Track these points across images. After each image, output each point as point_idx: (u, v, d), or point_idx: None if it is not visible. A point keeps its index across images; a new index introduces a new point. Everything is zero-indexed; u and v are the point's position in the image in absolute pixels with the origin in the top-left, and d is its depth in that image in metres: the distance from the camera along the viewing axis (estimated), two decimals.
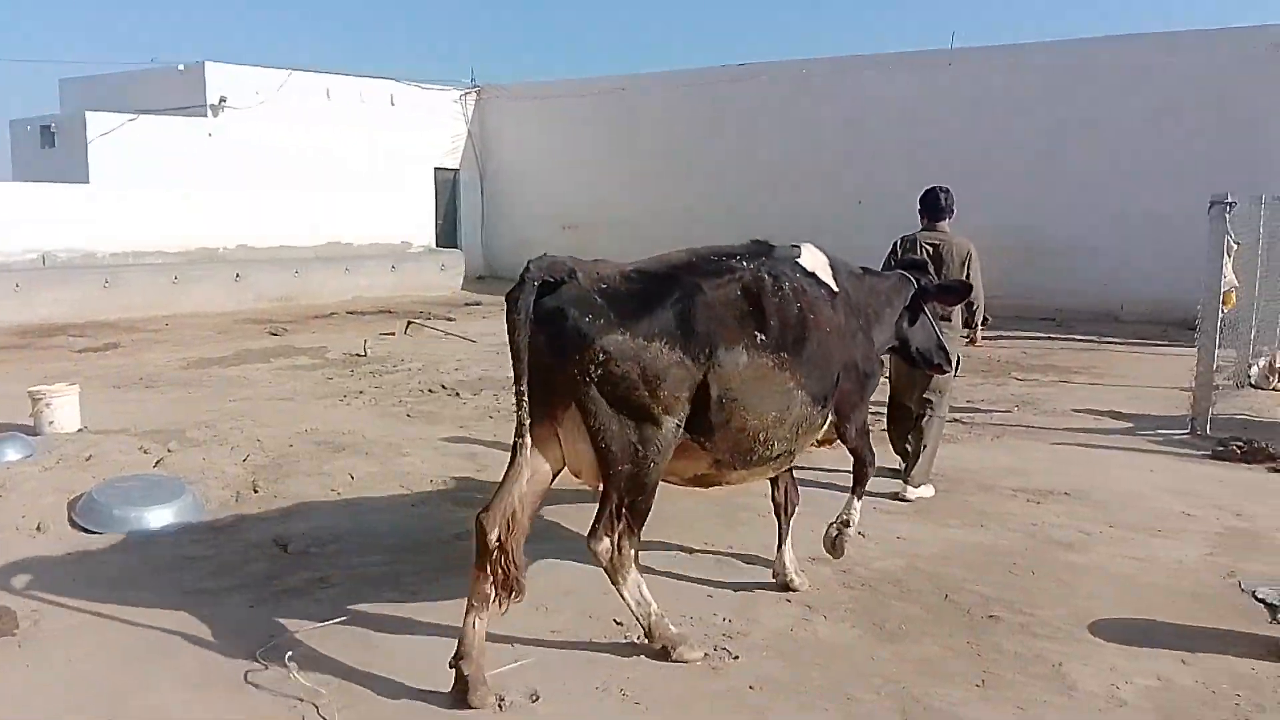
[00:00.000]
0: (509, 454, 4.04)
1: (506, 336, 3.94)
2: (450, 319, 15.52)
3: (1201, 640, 4.36)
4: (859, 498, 5.09)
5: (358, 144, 19.06)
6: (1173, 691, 3.92)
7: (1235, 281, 8.87)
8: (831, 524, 5.10)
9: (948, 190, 6.92)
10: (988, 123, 16.29)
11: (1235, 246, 8.74)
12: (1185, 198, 14.67)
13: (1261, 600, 4.78)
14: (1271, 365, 9.95)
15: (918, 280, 5.41)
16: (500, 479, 4.01)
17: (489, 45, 47.25)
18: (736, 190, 18.70)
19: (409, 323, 14.03)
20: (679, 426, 4.07)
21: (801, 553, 5.38)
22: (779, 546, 5.01)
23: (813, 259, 4.86)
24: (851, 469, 5.10)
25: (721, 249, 4.67)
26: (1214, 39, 14.67)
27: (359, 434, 7.92)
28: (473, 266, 20.88)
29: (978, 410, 9.21)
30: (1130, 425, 8.68)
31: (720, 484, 4.68)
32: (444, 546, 5.46)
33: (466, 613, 3.84)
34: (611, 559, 4.11)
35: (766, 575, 5.05)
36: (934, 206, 6.87)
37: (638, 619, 4.18)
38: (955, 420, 8.65)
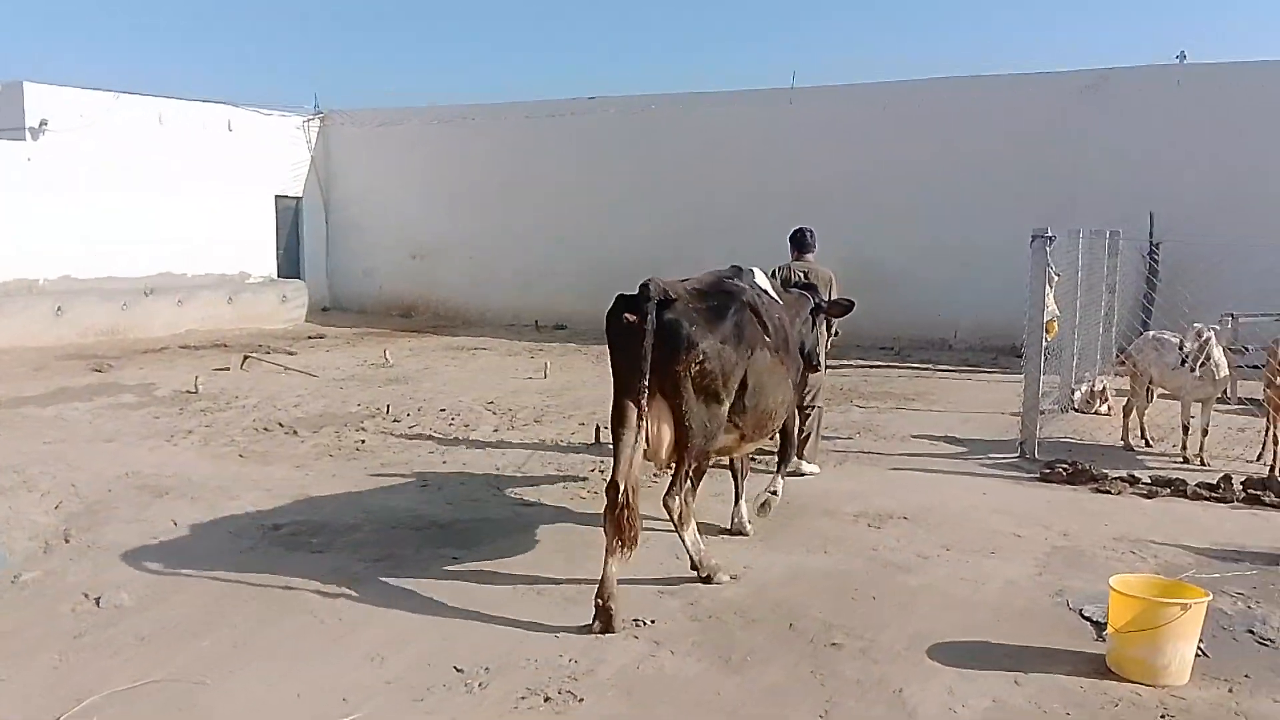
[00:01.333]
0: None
1: (611, 344, 5.22)
2: (291, 353, 14.92)
3: (1032, 660, 4.51)
4: (783, 475, 6.61)
5: (192, 171, 18.17)
6: (1006, 712, 4.03)
7: (1057, 311, 9.37)
8: (761, 494, 6.36)
9: (812, 230, 8.53)
10: (826, 158, 16.84)
11: (1056, 278, 9.23)
12: (1007, 232, 15.52)
13: (1088, 618, 5.02)
14: (1093, 390, 10.55)
15: (814, 297, 6.84)
16: (615, 455, 5.05)
17: (333, 71, 46.06)
18: (581, 221, 18.76)
19: (245, 357, 13.41)
20: (728, 410, 5.33)
21: (651, 586, 5.34)
22: (735, 503, 6.40)
23: (763, 279, 6.15)
24: (778, 449, 6.63)
25: (723, 272, 5.90)
26: (1031, 82, 15.63)
27: (185, 476, 7.47)
28: (316, 298, 20.19)
29: (821, 438, 9.39)
30: (964, 450, 9.02)
31: (736, 454, 6.22)
32: (269, 595, 5.15)
33: (606, 561, 4.82)
34: (681, 513, 5.33)
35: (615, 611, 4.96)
36: (801, 242, 8.40)
37: (691, 556, 5.45)
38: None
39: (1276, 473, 7.85)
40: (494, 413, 10.41)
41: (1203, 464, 8.31)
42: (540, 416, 10.23)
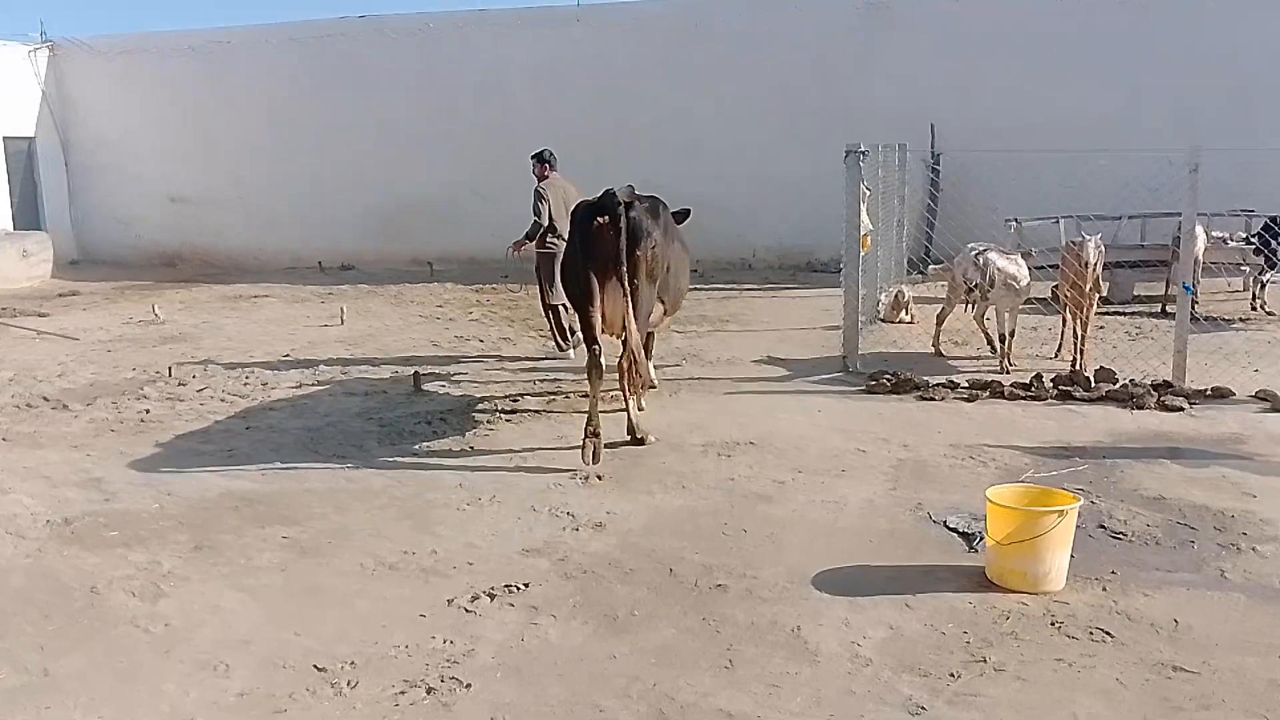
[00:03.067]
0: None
1: (583, 238, 6.52)
2: (42, 314, 13.26)
3: (914, 580, 4.48)
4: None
5: None
6: (905, 639, 3.95)
7: (870, 225, 9.49)
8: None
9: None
10: (619, 82, 16.45)
11: (868, 193, 9.32)
12: (800, 152, 15.77)
13: (954, 529, 5.06)
14: (898, 300, 10.84)
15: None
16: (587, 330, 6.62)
17: None
18: (361, 153, 17.54)
19: None
20: (658, 289, 6.78)
21: (515, 546, 4.97)
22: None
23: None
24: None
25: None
26: (817, 2, 15.76)
27: None
28: (62, 251, 18.01)
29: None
30: (788, 369, 9.06)
31: (658, 326, 7.76)
32: (71, 606, 4.42)
33: (592, 403, 6.40)
34: (629, 377, 6.64)
35: (482, 579, 4.57)
36: (553, 161, 9.96)
37: (631, 419, 6.77)
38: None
39: (1079, 367, 8.31)
40: (293, 367, 9.57)
41: (1010, 365, 8.66)
42: (346, 368, 9.49)
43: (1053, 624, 4.06)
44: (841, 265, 9.25)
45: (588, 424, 6.33)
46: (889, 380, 8.10)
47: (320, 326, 11.91)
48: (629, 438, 6.66)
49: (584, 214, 6.66)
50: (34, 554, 5.04)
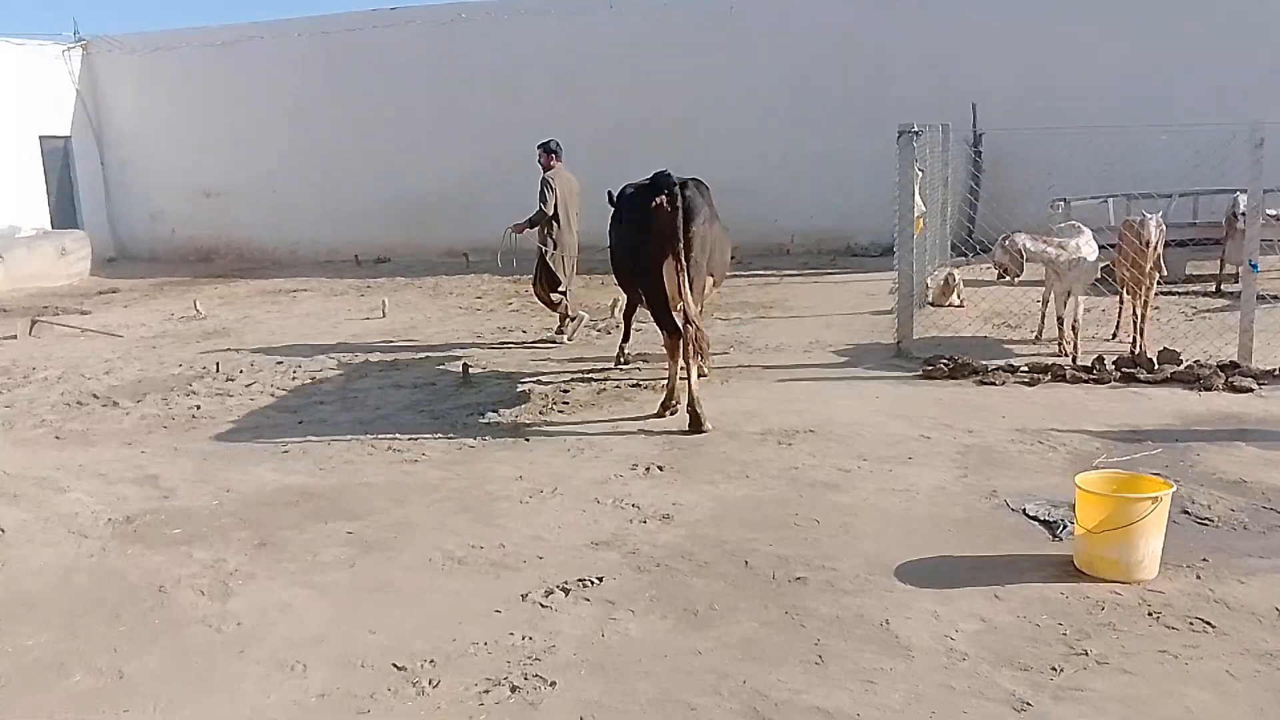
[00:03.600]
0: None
1: (641, 219, 6.88)
2: (84, 312, 13.32)
3: (1000, 571, 4.34)
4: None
5: None
6: (999, 632, 3.82)
7: (924, 208, 9.31)
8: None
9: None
10: (650, 69, 16.30)
11: (920, 175, 9.13)
12: (830, 136, 15.59)
13: (1034, 517, 4.91)
14: (948, 283, 10.65)
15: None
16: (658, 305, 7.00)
17: None
18: (394, 145, 17.55)
19: (33, 321, 11.80)
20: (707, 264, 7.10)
21: (582, 539, 4.88)
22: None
23: None
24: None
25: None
26: None
27: None
28: (100, 248, 18.13)
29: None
30: (840, 355, 8.91)
31: (708, 298, 7.71)
32: (141, 606, 4.37)
33: (679, 376, 6.92)
34: (692, 347, 6.75)
35: (553, 572, 4.48)
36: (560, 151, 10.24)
37: (694, 392, 6.74)
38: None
39: (1139, 349, 8.11)
40: (339, 360, 9.54)
41: (1068, 350, 8.44)
42: (394, 360, 9.44)
43: (1150, 614, 3.92)
44: (894, 248, 9.05)
45: (691, 398, 6.71)
46: (946, 365, 7.93)
47: (362, 319, 11.88)
48: (689, 413, 6.72)
49: (638, 195, 7.06)
50: (98, 553, 5.00)
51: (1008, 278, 8.44)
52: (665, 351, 7.23)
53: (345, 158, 17.72)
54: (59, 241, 17.09)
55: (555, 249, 9.90)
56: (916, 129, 8.71)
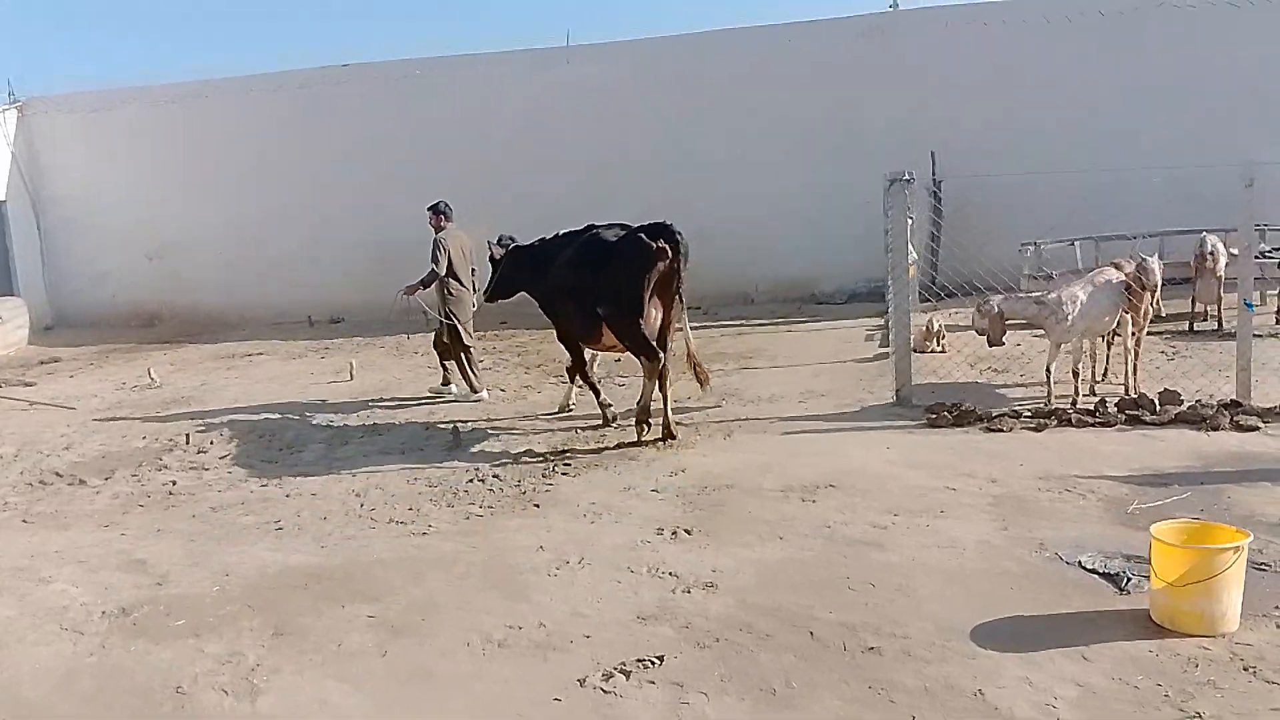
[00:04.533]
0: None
1: (644, 262, 7.69)
2: (29, 383, 12.65)
3: (1077, 629, 4.17)
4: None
5: None
6: (1099, 696, 3.63)
7: (915, 255, 9.28)
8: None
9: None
10: (609, 120, 16.24)
11: (911, 221, 9.11)
12: (795, 182, 15.66)
13: (1092, 570, 4.76)
14: (930, 328, 10.62)
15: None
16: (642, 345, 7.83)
17: (27, 52, 39.08)
18: (348, 202, 17.16)
19: None
20: None
21: (627, 613, 4.60)
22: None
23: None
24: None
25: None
26: (812, 30, 15.66)
27: None
28: (36, 315, 17.37)
29: (689, 409, 8.87)
30: (836, 404, 8.77)
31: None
32: (159, 713, 3.97)
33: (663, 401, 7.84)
34: (664, 373, 7.79)
35: (606, 652, 4.18)
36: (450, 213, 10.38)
37: (664, 409, 7.83)
38: (678, 424, 8.27)
39: (1135, 390, 8.11)
40: (314, 427, 9.13)
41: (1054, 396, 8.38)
42: (373, 425, 9.07)
43: (1245, 669, 3.77)
44: (889, 295, 8.97)
45: (649, 415, 7.80)
46: (949, 412, 7.83)
47: (328, 383, 11.45)
48: (664, 427, 7.78)
49: (638, 241, 7.76)
50: (98, 651, 4.57)
51: (993, 343, 8.38)
52: (644, 374, 7.89)
53: (298, 216, 17.30)
54: None
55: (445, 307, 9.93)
56: (908, 176, 8.68)
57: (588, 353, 8.78)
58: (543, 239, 9.04)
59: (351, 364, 11.80)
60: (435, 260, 9.86)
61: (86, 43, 39.65)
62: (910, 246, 9.07)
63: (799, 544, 5.40)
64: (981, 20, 15.24)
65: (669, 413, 7.80)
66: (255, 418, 9.60)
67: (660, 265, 7.67)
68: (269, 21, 40.61)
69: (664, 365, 7.81)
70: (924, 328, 10.67)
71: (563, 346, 8.97)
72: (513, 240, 9.29)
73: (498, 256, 9.21)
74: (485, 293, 9.56)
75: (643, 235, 7.75)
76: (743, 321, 14.24)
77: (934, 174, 14.86)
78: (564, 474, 7.09)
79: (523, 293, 9.17)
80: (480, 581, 5.14)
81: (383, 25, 39.28)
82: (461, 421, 8.74)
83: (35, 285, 18.01)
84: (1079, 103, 14.80)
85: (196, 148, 17.69)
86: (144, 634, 4.73)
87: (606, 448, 7.75)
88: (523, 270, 8.99)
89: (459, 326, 9.89)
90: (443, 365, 10.21)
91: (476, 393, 9.93)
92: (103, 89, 18.30)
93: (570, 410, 9.09)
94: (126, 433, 9.32)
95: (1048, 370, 8.15)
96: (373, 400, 10.18)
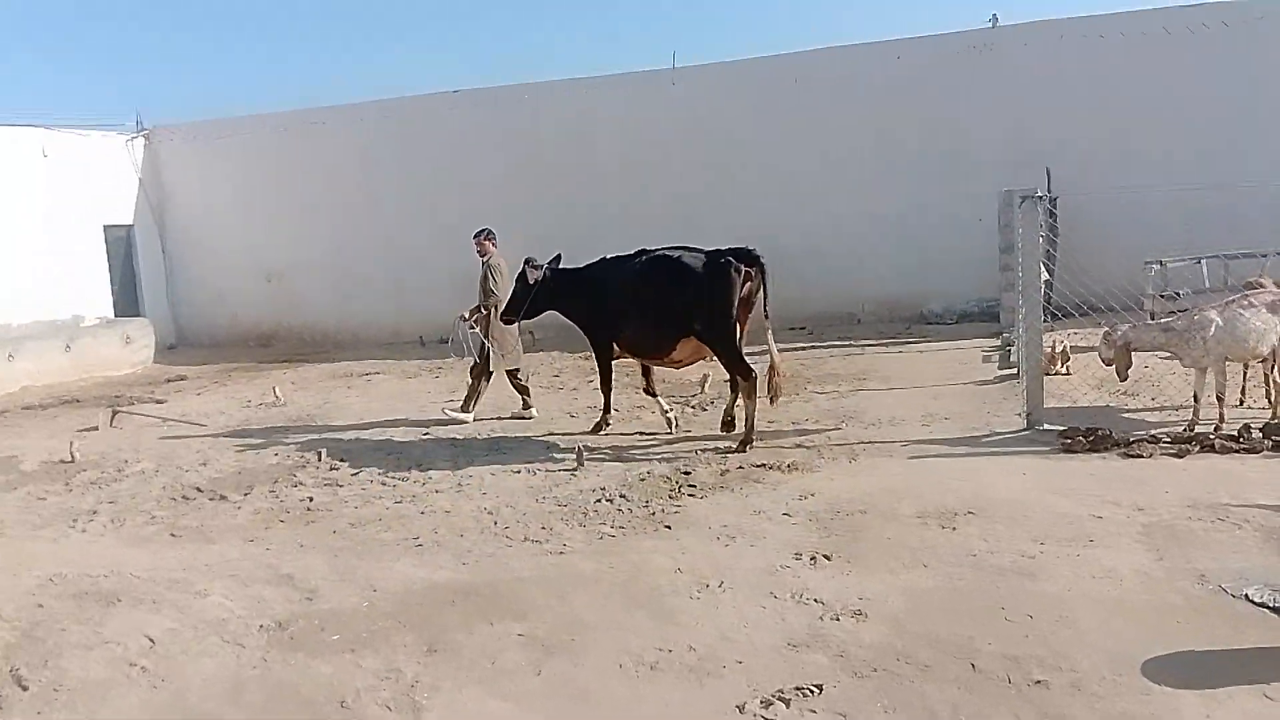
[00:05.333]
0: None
1: (733, 285, 8.39)
2: (159, 400, 13.18)
3: (1255, 665, 4.00)
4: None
5: (6, 205, 15.92)
6: None
7: (1048, 275, 9.07)
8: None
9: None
10: (713, 140, 16.31)
11: (1041, 241, 8.91)
12: (903, 200, 15.49)
13: (1262, 604, 4.57)
14: (1053, 350, 10.36)
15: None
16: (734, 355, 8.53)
17: (154, 83, 41.18)
18: (456, 224, 17.41)
19: (114, 412, 11.67)
20: None
21: (777, 639, 4.56)
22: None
23: None
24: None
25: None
26: (916, 46, 15.51)
27: (122, 573, 6.10)
28: (161, 335, 18.11)
29: (808, 432, 8.81)
30: (961, 427, 8.61)
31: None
32: (334, 718, 4.08)
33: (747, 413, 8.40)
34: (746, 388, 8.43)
35: (761, 679, 4.15)
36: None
37: (749, 419, 8.41)
38: (800, 446, 8.22)
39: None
40: (438, 444, 9.31)
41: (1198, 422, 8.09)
42: (495, 442, 9.21)
43: None
44: (1020, 315, 8.79)
45: (748, 431, 8.36)
46: (1084, 437, 7.61)
47: (446, 400, 11.66)
48: (740, 439, 8.35)
49: (726, 265, 8.41)
50: (260, 664, 4.71)
51: (1121, 375, 8.14)
52: (743, 394, 8.48)
53: (409, 237, 17.74)
54: (122, 330, 17.09)
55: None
56: (1039, 194, 8.50)
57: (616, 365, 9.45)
58: (589, 264, 9.51)
59: (468, 383, 11.95)
60: (495, 287, 10.16)
61: (208, 71, 41.56)
62: (1040, 266, 8.84)
63: (946, 572, 5.29)
64: (1098, 32, 14.90)
65: (751, 422, 8.35)
66: (381, 435, 9.84)
67: (747, 286, 8.41)
68: (379, 49, 42.00)
69: (754, 378, 8.37)
70: (1050, 348, 10.40)
71: (598, 362, 9.51)
72: (546, 263, 9.57)
73: (532, 279, 9.49)
74: (509, 312, 9.77)
75: (731, 258, 8.39)
76: (850, 342, 14.09)
77: (1049, 190, 14.52)
78: (691, 495, 7.09)
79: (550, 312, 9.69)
80: (624, 601, 5.16)
81: (487, 50, 40.25)
82: (570, 439, 8.81)
83: (160, 306, 18.82)
84: (1198, 116, 14.35)
85: (313, 172, 18.30)
86: (301, 648, 4.86)
87: (728, 470, 7.73)
88: (565, 292, 9.43)
89: (494, 352, 10.19)
90: (518, 390, 10.51)
91: (528, 409, 10.34)
92: (221, 117, 19.07)
93: (676, 423, 9.24)
94: (259, 449, 9.63)
95: (1195, 395, 7.89)
96: (492, 420, 10.32)
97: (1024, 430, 8.24)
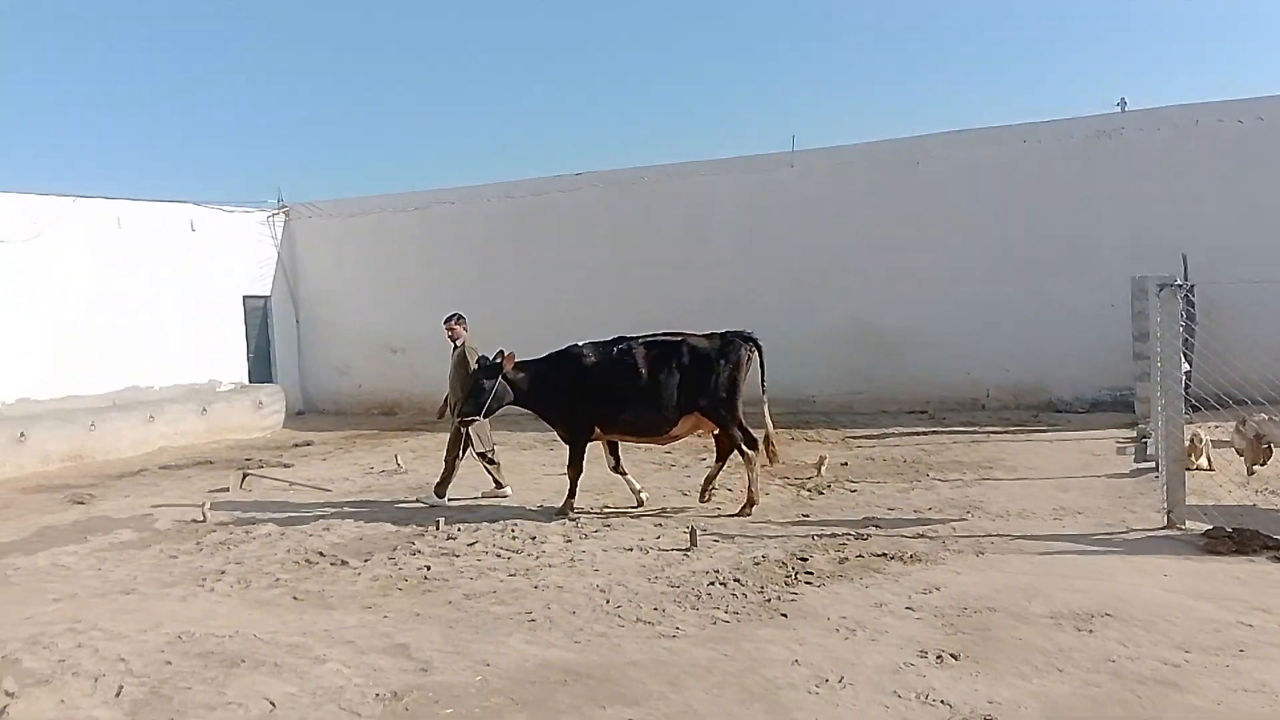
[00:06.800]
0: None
1: (736, 367, 9.27)
2: (286, 464, 13.63)
3: None
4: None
5: (156, 275, 16.94)
6: None
7: (1188, 366, 8.68)
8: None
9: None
10: (831, 222, 16.27)
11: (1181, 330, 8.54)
12: (1025, 285, 15.11)
13: None
14: (1193, 443, 9.84)
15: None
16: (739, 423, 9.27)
17: (295, 163, 44.08)
18: (573, 302, 17.82)
19: (244, 474, 12.11)
20: None
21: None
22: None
23: None
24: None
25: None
26: (1041, 130, 15.26)
27: (246, 635, 6.24)
28: (290, 402, 18.83)
29: (930, 521, 8.53)
30: (1094, 522, 8.21)
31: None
32: None
33: (753, 478, 9.20)
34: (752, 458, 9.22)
35: None
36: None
37: (752, 483, 9.24)
38: (922, 536, 7.96)
39: None
40: (551, 519, 9.34)
41: None
42: (607, 520, 9.19)
43: None
44: (1161, 407, 8.40)
45: (752, 496, 9.23)
46: (1231, 538, 7.16)
47: (558, 474, 11.72)
48: (747, 506, 9.19)
49: (736, 345, 9.36)
50: None
51: (1249, 469, 7.69)
52: (748, 461, 9.20)
53: (528, 313, 18.07)
54: (255, 395, 17.83)
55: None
56: (1178, 282, 8.17)
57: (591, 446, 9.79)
58: (552, 355, 9.96)
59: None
60: (472, 374, 10.08)
61: (345, 152, 43.90)
62: (1179, 356, 8.45)
63: (1082, 678, 4.99)
64: (1236, 117, 14.40)
65: (755, 485, 9.23)
66: (496, 506, 9.93)
67: (749, 363, 9.31)
68: (505, 128, 43.68)
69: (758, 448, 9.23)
70: (1188, 442, 9.87)
71: (579, 451, 9.66)
72: (492, 359, 9.82)
73: (491, 379, 9.65)
74: (472, 411, 9.78)
75: (737, 339, 9.36)
76: (975, 428, 13.68)
77: (1185, 277, 13.98)
78: (807, 583, 6.90)
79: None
80: (739, 694, 5.01)
81: (608, 135, 41.44)
82: (680, 518, 8.71)
83: (291, 373, 19.60)
84: None
85: (438, 250, 18.99)
86: None
87: (847, 558, 7.51)
88: (543, 385, 9.74)
89: (475, 434, 10.37)
90: (487, 469, 10.68)
91: (502, 487, 10.59)
92: (354, 196, 19.97)
93: (644, 502, 9.74)
94: (379, 516, 9.83)
95: None
96: (604, 497, 10.32)
97: (1163, 528, 7.80)
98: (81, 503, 11.41)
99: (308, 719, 4.93)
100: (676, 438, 9.69)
